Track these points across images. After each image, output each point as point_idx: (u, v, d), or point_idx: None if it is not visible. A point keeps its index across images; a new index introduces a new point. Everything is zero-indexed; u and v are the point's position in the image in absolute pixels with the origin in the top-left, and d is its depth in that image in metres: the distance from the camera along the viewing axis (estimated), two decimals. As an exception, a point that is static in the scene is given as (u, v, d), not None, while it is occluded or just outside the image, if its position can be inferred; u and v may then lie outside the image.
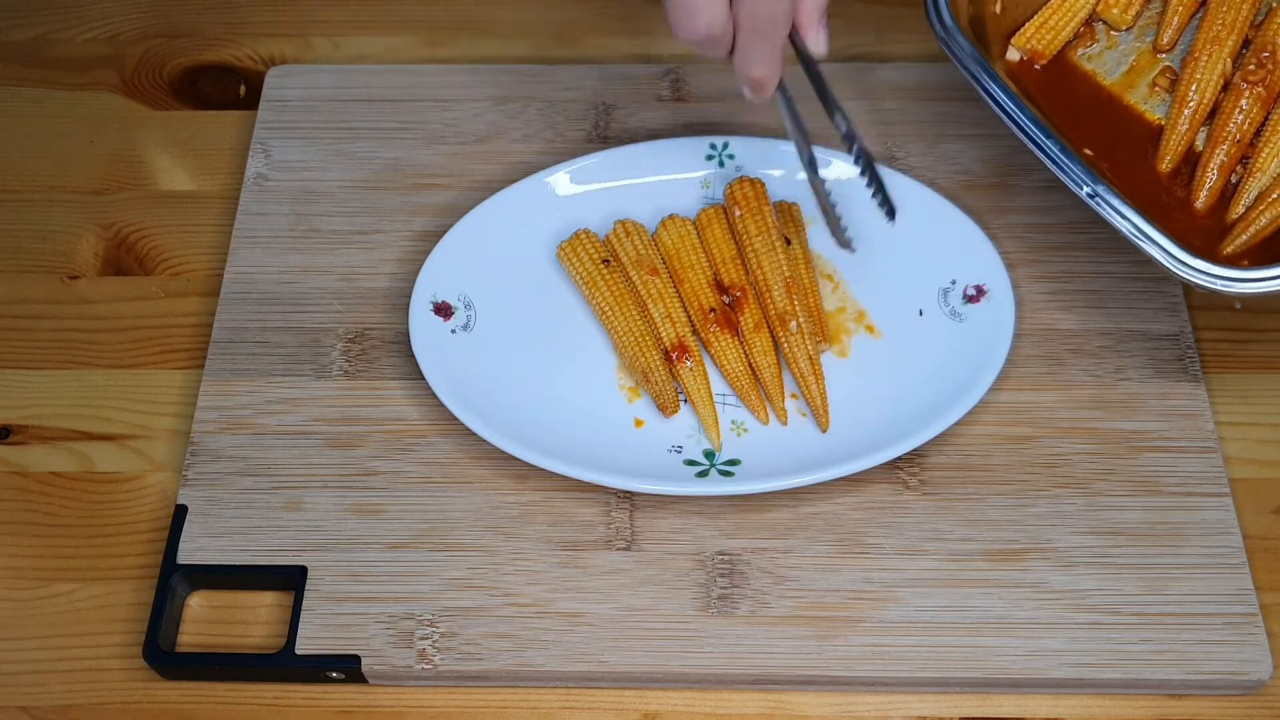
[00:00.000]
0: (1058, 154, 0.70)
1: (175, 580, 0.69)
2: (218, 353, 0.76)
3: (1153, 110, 0.76)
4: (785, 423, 0.73)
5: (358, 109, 0.86)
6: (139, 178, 0.86)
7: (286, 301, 0.78)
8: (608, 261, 0.76)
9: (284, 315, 0.78)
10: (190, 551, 0.69)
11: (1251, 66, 0.73)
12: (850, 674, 0.66)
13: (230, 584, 0.70)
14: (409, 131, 0.85)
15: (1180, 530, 0.69)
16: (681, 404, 0.73)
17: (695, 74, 0.87)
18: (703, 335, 0.75)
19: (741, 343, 0.74)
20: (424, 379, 0.73)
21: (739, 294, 0.75)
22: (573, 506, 0.71)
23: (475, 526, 0.70)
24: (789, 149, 0.80)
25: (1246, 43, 0.75)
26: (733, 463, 0.71)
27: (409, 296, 0.76)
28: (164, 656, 0.67)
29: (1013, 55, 0.78)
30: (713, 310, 0.75)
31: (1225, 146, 0.72)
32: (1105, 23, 0.79)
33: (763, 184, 0.78)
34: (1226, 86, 0.74)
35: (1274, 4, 0.75)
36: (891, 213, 0.69)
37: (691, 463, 0.71)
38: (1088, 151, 0.73)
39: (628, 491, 0.71)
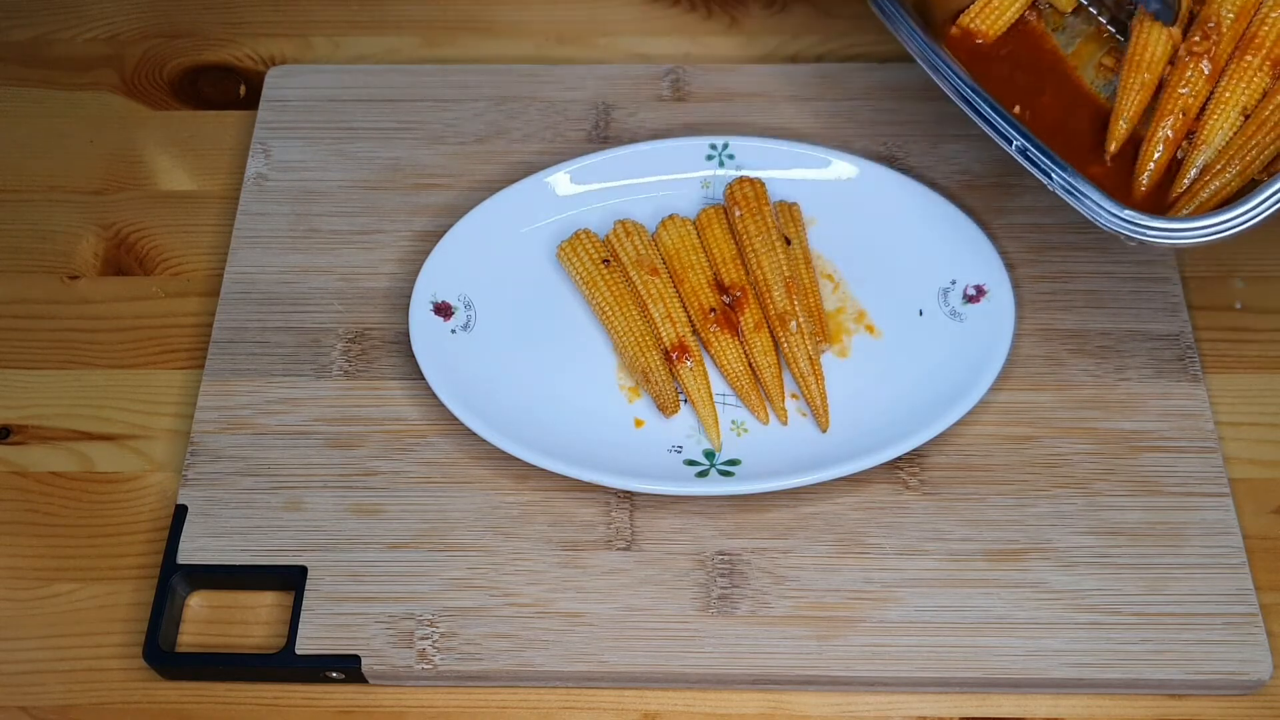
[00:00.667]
0: (988, 111, 0.70)
1: (175, 580, 0.69)
2: (218, 353, 0.76)
3: (1100, 90, 0.76)
4: (785, 423, 0.73)
5: (358, 109, 0.86)
6: (139, 178, 0.86)
7: (286, 301, 0.78)
8: (608, 261, 0.76)
9: (284, 315, 0.78)
10: (190, 551, 0.69)
11: (1197, 39, 0.71)
12: (850, 674, 0.66)
13: (230, 584, 0.70)
14: (409, 131, 0.85)
15: (1180, 530, 0.69)
16: (681, 404, 0.73)
17: (695, 74, 0.87)
18: (703, 335, 0.75)
19: (741, 343, 0.74)
20: (424, 379, 0.73)
21: (739, 294, 0.75)
22: (573, 506, 0.71)
23: (475, 526, 0.70)
24: (789, 149, 0.81)
25: (1192, 17, 0.74)
26: (733, 463, 0.71)
27: (409, 296, 0.76)
28: (164, 656, 0.67)
29: (955, 34, 0.78)
30: (713, 310, 0.75)
31: (1170, 120, 0.71)
32: (1052, 5, 0.78)
33: (763, 184, 0.78)
34: (1173, 61, 0.73)
35: None
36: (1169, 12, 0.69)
37: (691, 463, 0.71)
38: (1018, 110, 0.73)
39: (628, 491, 0.71)
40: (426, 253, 0.77)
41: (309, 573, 0.69)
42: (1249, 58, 0.70)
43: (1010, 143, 0.69)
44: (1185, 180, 0.70)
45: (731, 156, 0.81)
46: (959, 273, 0.76)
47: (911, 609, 0.67)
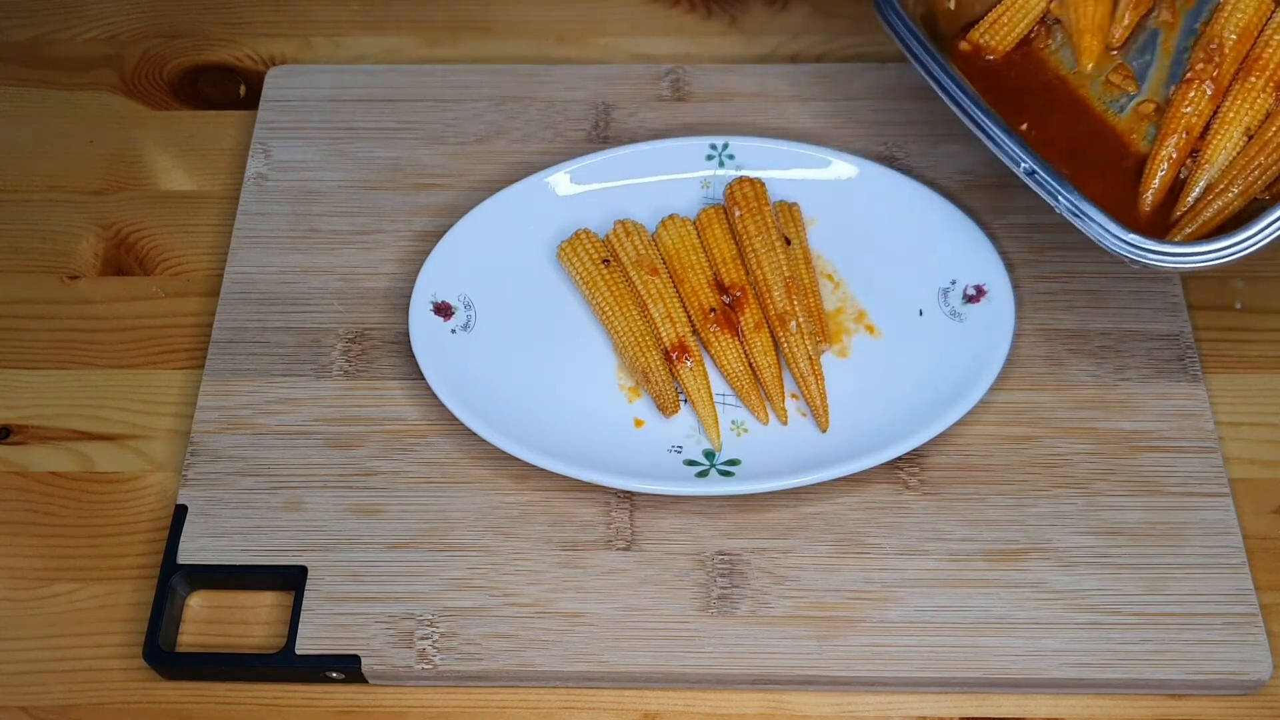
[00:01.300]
0: (996, 132, 0.70)
1: (175, 580, 0.69)
2: (218, 353, 0.76)
3: (1105, 106, 0.76)
4: (785, 423, 0.73)
5: (358, 109, 0.86)
6: (139, 178, 0.86)
7: (286, 301, 0.78)
8: (608, 261, 0.76)
9: (284, 315, 0.78)
10: (190, 551, 0.69)
11: (1200, 60, 0.72)
12: (850, 674, 0.66)
13: (230, 584, 0.70)
14: (409, 131, 0.85)
15: (1180, 530, 0.69)
16: (681, 404, 0.73)
17: (695, 74, 0.87)
18: (703, 335, 0.75)
19: (741, 343, 0.74)
20: (424, 379, 0.73)
21: (739, 294, 0.75)
22: (573, 506, 0.71)
23: (475, 526, 0.70)
24: (789, 149, 0.81)
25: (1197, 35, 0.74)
26: (733, 463, 0.71)
27: (409, 296, 0.76)
28: (164, 656, 0.67)
29: (965, 49, 0.78)
30: (713, 310, 0.75)
31: (1174, 140, 0.72)
32: (1058, 21, 0.78)
33: (763, 184, 0.78)
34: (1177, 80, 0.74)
35: None
36: None
37: (691, 463, 0.71)
38: (1025, 127, 0.73)
39: (628, 491, 0.71)
40: (426, 253, 0.77)
41: (309, 573, 0.69)
42: (1253, 79, 0.71)
43: (1018, 164, 0.70)
44: (1189, 199, 0.71)
45: (731, 156, 0.81)
46: (959, 273, 0.76)
47: (911, 609, 0.67)
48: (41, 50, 0.92)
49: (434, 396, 0.72)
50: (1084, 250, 0.79)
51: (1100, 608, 0.67)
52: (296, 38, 0.93)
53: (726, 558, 0.69)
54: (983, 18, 0.79)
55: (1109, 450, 0.72)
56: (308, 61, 0.91)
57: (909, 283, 0.77)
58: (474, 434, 0.71)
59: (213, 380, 0.75)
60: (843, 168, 0.80)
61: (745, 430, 0.73)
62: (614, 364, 0.75)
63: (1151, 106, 0.74)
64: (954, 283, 0.76)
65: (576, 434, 0.72)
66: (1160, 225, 0.71)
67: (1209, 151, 0.71)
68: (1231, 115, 0.71)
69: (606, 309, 0.75)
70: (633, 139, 0.83)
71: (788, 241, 0.77)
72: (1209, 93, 0.72)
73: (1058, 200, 0.69)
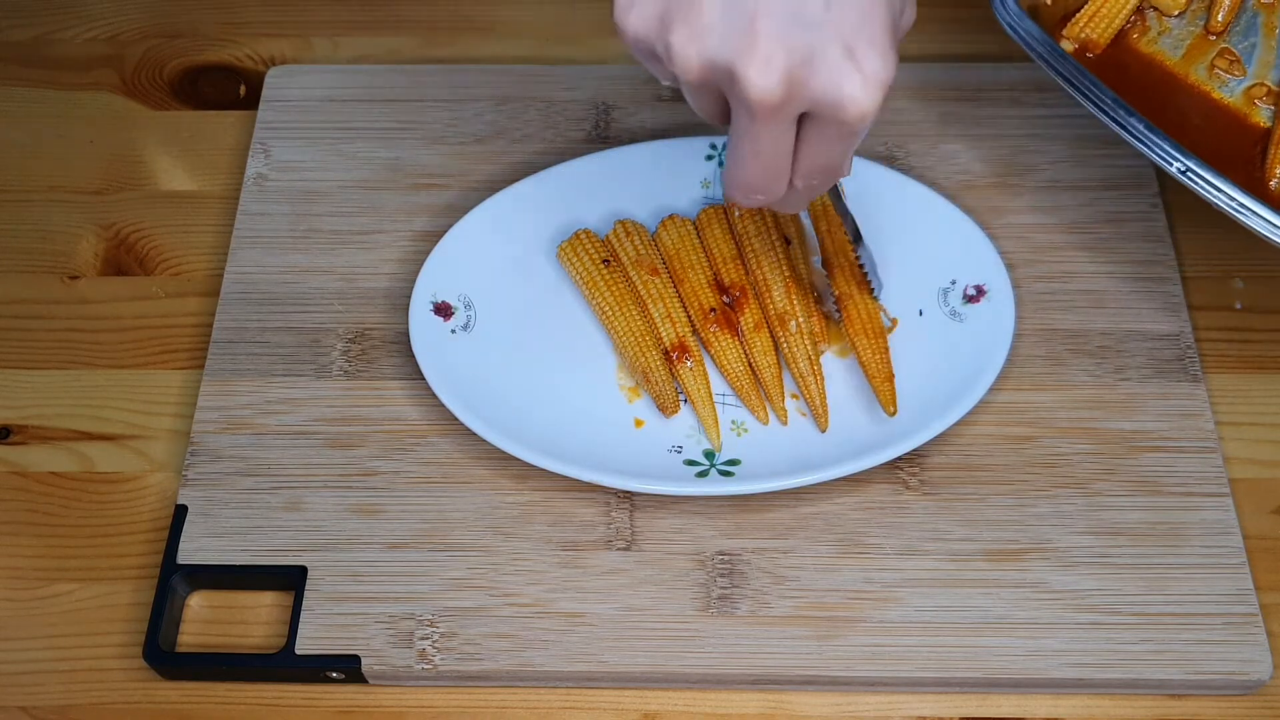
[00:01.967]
0: (1143, 132, 0.68)
1: (175, 580, 0.69)
2: (218, 353, 0.76)
3: (1216, 89, 0.75)
4: (785, 423, 0.73)
5: (358, 109, 0.86)
6: (139, 178, 0.86)
7: (286, 301, 0.78)
8: (608, 261, 0.76)
9: (284, 315, 0.78)
10: (190, 551, 0.69)
11: None
12: (850, 674, 0.66)
13: (230, 584, 0.70)
14: (409, 131, 0.85)
15: (1180, 530, 0.69)
16: (681, 404, 0.73)
17: (695, 74, 0.87)
18: (703, 335, 0.75)
19: (741, 343, 0.74)
20: (424, 379, 0.73)
21: (739, 294, 0.75)
22: (573, 506, 0.71)
23: (475, 526, 0.70)
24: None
25: None
26: (733, 463, 0.71)
27: (409, 296, 0.76)
28: (164, 656, 0.67)
29: (1066, 47, 0.75)
30: (713, 310, 0.75)
31: None
32: (1156, 9, 0.77)
33: (763, 184, 0.78)
34: None
35: None
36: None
37: (691, 463, 0.71)
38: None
39: (628, 491, 0.71)
40: (426, 253, 0.77)
41: (309, 573, 0.69)
42: None
43: (1170, 164, 0.67)
44: None
45: (731, 156, 0.81)
46: (959, 273, 0.76)
47: (911, 609, 0.67)
48: (41, 50, 0.92)
49: (434, 396, 0.72)
50: (1084, 250, 0.79)
51: (1100, 608, 0.67)
52: (296, 38, 0.93)
53: (726, 558, 0.69)
54: (1078, 10, 0.76)
55: (1109, 450, 0.72)
56: (307, 61, 0.91)
57: (909, 283, 0.77)
58: (474, 434, 0.71)
59: (213, 380, 0.75)
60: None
61: (745, 430, 0.73)
62: (614, 364, 0.75)
63: (1264, 90, 0.72)
64: (954, 283, 0.76)
65: (576, 434, 0.72)
66: None
67: None
68: None
69: (606, 309, 0.75)
70: (633, 139, 0.83)
71: (788, 241, 0.77)
72: None
73: (1216, 197, 0.66)
